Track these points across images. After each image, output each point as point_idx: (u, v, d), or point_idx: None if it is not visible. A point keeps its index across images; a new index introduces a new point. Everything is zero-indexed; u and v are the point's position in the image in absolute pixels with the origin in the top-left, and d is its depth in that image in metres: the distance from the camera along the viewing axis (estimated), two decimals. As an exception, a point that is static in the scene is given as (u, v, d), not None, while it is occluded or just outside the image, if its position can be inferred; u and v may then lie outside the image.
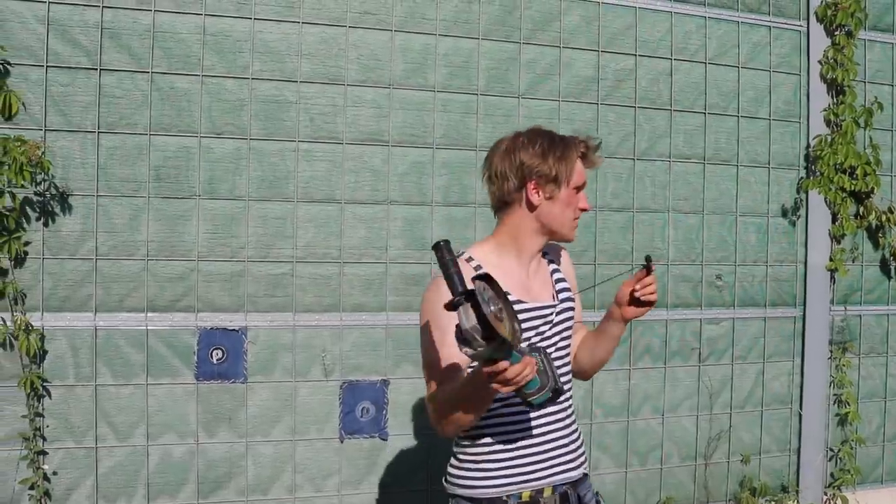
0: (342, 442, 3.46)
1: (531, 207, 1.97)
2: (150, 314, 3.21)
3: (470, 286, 1.54)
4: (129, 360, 3.18)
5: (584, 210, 2.03)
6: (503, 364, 1.54)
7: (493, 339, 1.49)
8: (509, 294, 1.80)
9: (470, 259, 1.98)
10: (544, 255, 2.10)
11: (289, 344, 3.37)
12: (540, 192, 1.96)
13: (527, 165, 1.95)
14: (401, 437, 3.53)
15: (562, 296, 2.06)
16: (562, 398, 1.94)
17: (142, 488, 3.21)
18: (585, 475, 2.09)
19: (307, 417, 3.40)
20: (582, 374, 2.22)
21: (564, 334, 2.04)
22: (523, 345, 1.69)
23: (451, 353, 1.80)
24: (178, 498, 3.25)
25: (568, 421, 2.04)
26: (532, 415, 1.95)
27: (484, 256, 2.00)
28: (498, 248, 2.02)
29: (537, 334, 1.96)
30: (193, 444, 3.27)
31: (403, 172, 3.51)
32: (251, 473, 3.34)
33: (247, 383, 3.32)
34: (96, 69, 3.10)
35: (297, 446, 3.40)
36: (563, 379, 1.93)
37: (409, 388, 3.52)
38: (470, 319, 1.50)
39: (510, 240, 2.01)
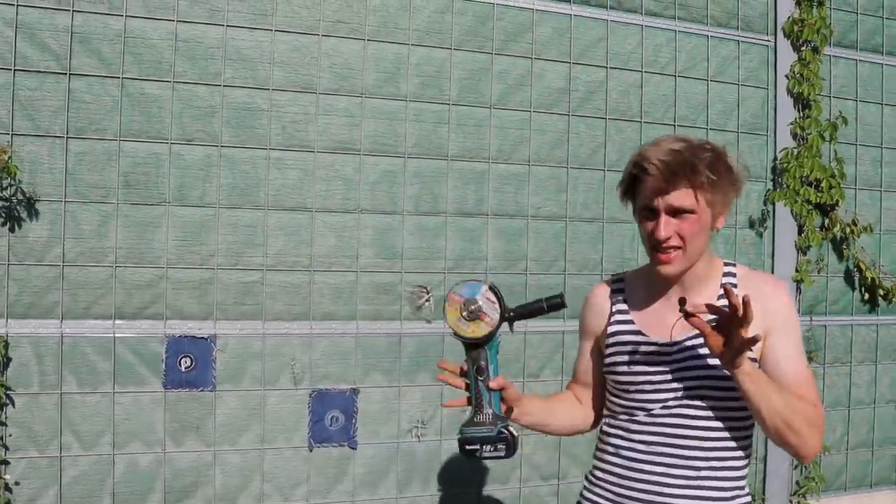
0: (311, 451, 3.44)
1: None
2: (117, 321, 3.18)
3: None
4: (95, 368, 3.15)
5: (654, 240, 1.71)
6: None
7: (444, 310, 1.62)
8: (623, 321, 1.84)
9: (619, 280, 1.94)
10: (728, 284, 1.72)
11: (258, 352, 3.35)
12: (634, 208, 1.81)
13: None
14: (370, 445, 3.53)
15: (701, 339, 1.68)
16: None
17: (107, 498, 3.17)
18: None
19: (276, 426, 3.38)
20: (769, 436, 1.73)
21: (705, 381, 1.73)
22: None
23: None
24: (144, 507, 3.22)
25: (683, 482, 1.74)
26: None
27: (637, 279, 1.91)
28: (650, 273, 1.82)
29: (658, 372, 1.76)
30: (160, 452, 3.24)
31: (375, 181, 3.51)
32: (219, 482, 3.32)
33: (215, 391, 3.30)
34: (66, 73, 3.08)
35: (266, 455, 3.38)
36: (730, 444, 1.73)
37: (378, 396, 3.51)
38: (454, 288, 1.63)
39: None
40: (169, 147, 3.23)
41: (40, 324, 3.08)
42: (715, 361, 1.69)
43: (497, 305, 1.59)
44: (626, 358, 1.81)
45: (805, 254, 4.33)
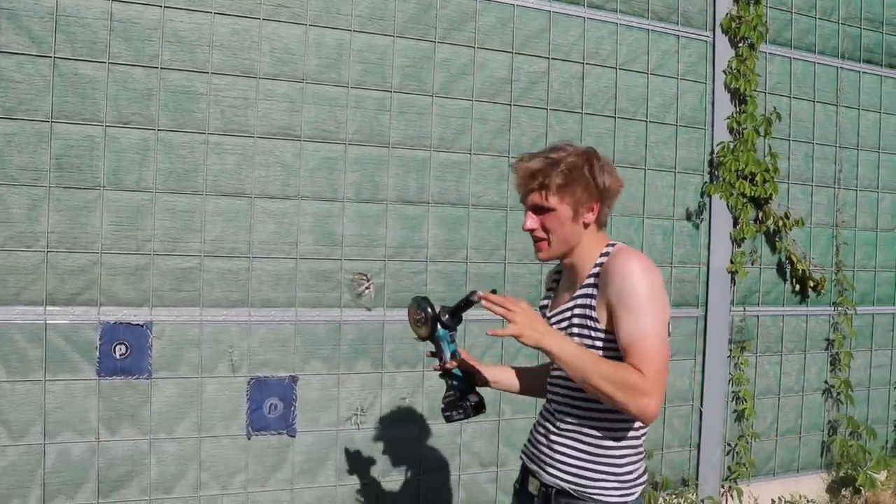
0: (249, 439, 3.41)
1: None
2: (49, 308, 3.10)
3: None
4: (25, 356, 3.07)
5: (523, 228, 2.10)
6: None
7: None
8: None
9: (560, 263, 2.19)
10: (599, 265, 2.02)
11: (195, 339, 3.31)
12: None
13: None
14: (309, 433, 3.52)
15: (568, 313, 2.06)
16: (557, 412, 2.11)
17: (37, 489, 3.10)
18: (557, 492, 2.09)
19: (213, 414, 3.35)
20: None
21: None
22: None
23: None
24: (77, 498, 3.15)
25: (558, 436, 2.10)
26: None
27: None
28: None
29: None
30: (94, 441, 3.17)
31: (315, 168, 3.49)
32: (154, 472, 3.27)
33: (151, 379, 3.25)
34: (-6, 52, 2.98)
35: (203, 443, 3.34)
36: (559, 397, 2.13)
37: (318, 384, 3.50)
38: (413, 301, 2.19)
39: None
40: (104, 130, 3.15)
41: (-33, 309, 2.99)
42: (576, 329, 2.03)
43: (430, 314, 2.11)
44: None
45: (740, 245, 4.45)
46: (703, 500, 4.36)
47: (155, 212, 3.24)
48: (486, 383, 2.31)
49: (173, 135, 3.26)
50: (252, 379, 3.40)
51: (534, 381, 2.39)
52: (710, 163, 4.40)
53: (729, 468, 4.51)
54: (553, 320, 2.09)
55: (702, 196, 4.39)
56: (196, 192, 3.30)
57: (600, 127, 4.09)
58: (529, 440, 2.24)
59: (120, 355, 3.20)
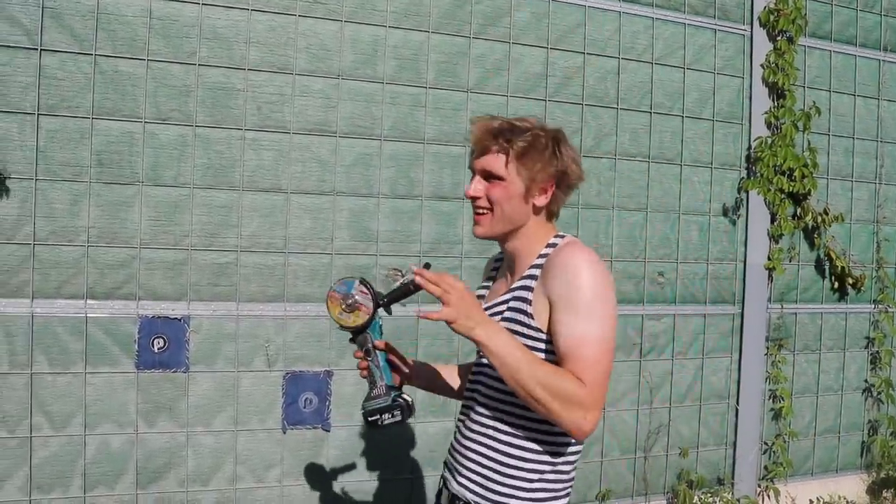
0: (284, 433, 3.44)
1: None
2: (89, 301, 3.15)
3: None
4: (66, 348, 3.12)
5: (466, 194, 1.88)
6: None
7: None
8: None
9: (502, 251, 1.99)
10: (544, 256, 1.82)
11: (232, 333, 3.34)
12: None
13: None
14: (344, 428, 3.53)
15: (499, 307, 1.86)
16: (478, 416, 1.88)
17: (78, 479, 3.15)
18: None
19: (249, 408, 3.38)
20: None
21: None
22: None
23: None
24: (116, 489, 3.20)
25: (470, 434, 1.89)
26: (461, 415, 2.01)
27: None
28: None
29: None
30: (132, 433, 3.22)
31: (350, 164, 3.50)
32: (191, 464, 3.30)
33: (188, 373, 3.28)
34: (37, 49, 3.03)
35: (239, 437, 3.37)
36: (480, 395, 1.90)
37: (353, 379, 3.51)
38: (331, 286, 1.87)
39: None
40: (143, 126, 3.19)
41: (10, 303, 3.04)
42: (507, 325, 1.80)
43: (369, 296, 1.80)
44: None
45: (777, 242, 4.39)
46: (739, 500, 4.31)
47: (192, 207, 3.27)
48: (409, 380, 2.06)
49: (211, 131, 3.29)
50: (287, 373, 3.42)
51: (453, 380, 2.17)
52: (748, 158, 4.34)
53: (766, 467, 4.45)
54: (488, 313, 1.81)
55: (738, 192, 4.34)
56: (233, 188, 3.33)
57: (636, 122, 4.06)
58: (451, 442, 2.01)
59: (158, 349, 3.24)
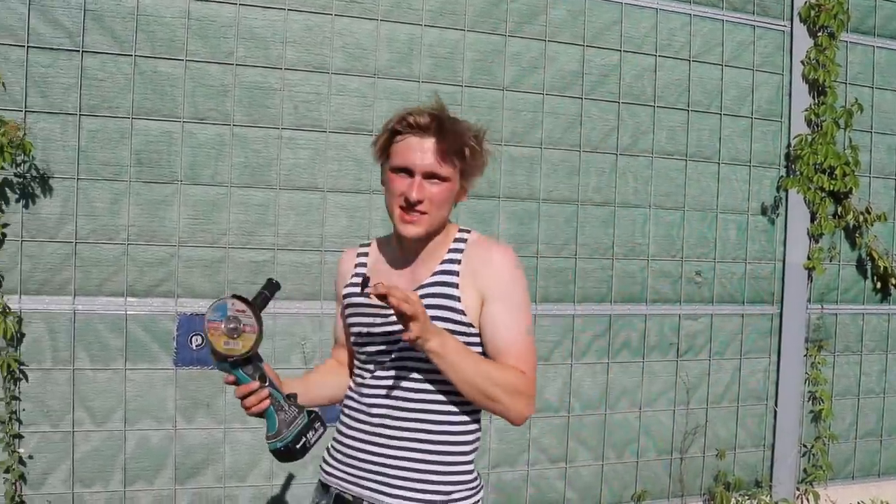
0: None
1: None
2: (129, 299, 3.19)
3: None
4: (107, 345, 3.17)
5: (405, 198, 1.70)
6: (231, 378, 1.60)
7: (209, 343, 1.57)
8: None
9: (367, 244, 1.93)
10: (455, 249, 1.80)
11: (269, 331, 3.36)
12: (382, 176, 1.82)
13: None
14: (379, 426, 3.54)
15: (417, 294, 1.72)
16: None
17: (118, 473, 3.20)
18: None
19: (286, 405, 3.40)
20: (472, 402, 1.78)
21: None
22: (279, 394, 1.64)
23: None
24: (155, 483, 3.25)
25: (395, 442, 1.75)
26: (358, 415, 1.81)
27: (379, 246, 1.91)
28: (390, 238, 1.89)
29: (379, 334, 1.78)
30: (171, 429, 3.26)
31: (387, 162, 3.50)
32: (229, 460, 3.34)
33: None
34: (78, 51, 3.08)
35: (275, 434, 3.39)
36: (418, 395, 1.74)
37: (388, 377, 3.52)
38: (205, 318, 1.57)
39: (395, 231, 1.82)
40: (181, 125, 3.23)
41: (53, 300, 3.10)
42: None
43: (250, 311, 1.56)
44: (356, 319, 1.84)
45: (817, 241, 4.31)
46: (777, 503, 4.25)
47: (230, 206, 3.30)
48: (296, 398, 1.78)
49: (248, 130, 3.32)
50: (323, 371, 3.44)
51: (334, 383, 1.99)
52: (787, 156, 4.28)
53: (805, 470, 4.38)
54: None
55: (778, 190, 4.27)
56: (270, 187, 3.35)
57: (673, 120, 4.02)
58: (339, 460, 1.84)
59: (196, 346, 3.28)
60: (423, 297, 1.69)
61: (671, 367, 4.07)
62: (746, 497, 4.19)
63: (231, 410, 3.32)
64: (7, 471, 3.02)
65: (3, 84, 2.97)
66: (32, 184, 3.06)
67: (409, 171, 1.71)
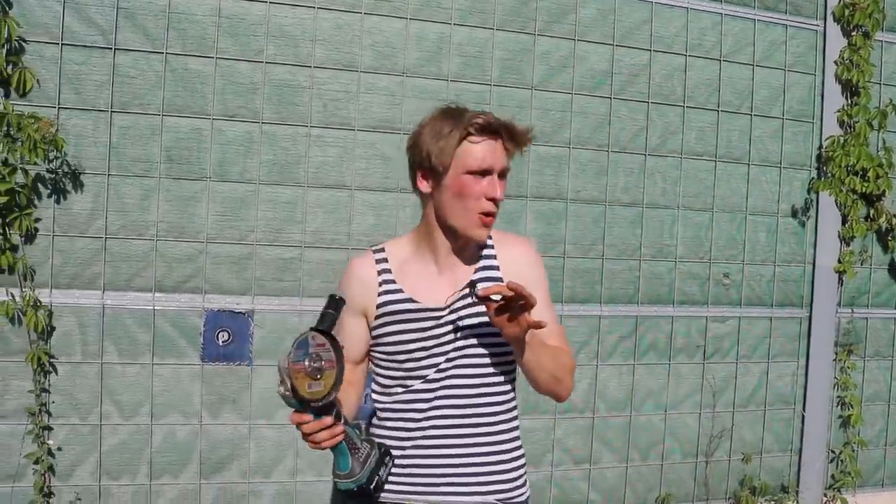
0: (345, 427, 3.46)
1: (427, 197, 1.78)
2: (157, 294, 3.22)
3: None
4: (135, 339, 3.20)
5: (492, 200, 1.71)
6: (306, 416, 1.47)
7: (292, 387, 1.43)
8: (403, 299, 1.77)
9: (381, 250, 1.85)
10: (485, 247, 1.84)
11: (295, 328, 3.38)
12: (427, 180, 1.76)
13: (410, 148, 1.79)
14: (403, 424, 3.54)
15: (470, 299, 1.74)
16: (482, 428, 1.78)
17: (145, 467, 3.23)
18: None
19: (311, 402, 3.41)
20: (536, 389, 1.85)
21: (473, 340, 1.77)
22: (356, 433, 1.57)
23: None
24: (181, 478, 3.27)
25: (464, 441, 1.78)
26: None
27: (398, 250, 1.85)
28: (415, 241, 1.84)
29: (430, 337, 1.76)
30: (197, 424, 3.29)
31: (414, 161, 3.50)
32: (254, 456, 3.36)
33: (252, 366, 3.33)
34: (111, 48, 3.11)
35: (300, 430, 3.41)
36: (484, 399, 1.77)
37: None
38: (286, 358, 1.43)
39: (424, 232, 1.82)
40: (211, 123, 3.25)
41: (83, 294, 3.13)
42: (483, 319, 1.72)
43: (327, 345, 1.44)
44: (397, 328, 1.79)
45: (848, 244, 4.26)
46: (804, 508, 4.21)
47: (258, 203, 3.32)
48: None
49: (276, 127, 3.33)
50: (349, 369, 3.45)
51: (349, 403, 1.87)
52: (818, 158, 4.22)
53: (832, 476, 4.33)
54: (461, 310, 1.76)
55: (808, 192, 4.22)
56: (298, 184, 3.36)
57: (703, 120, 3.98)
58: (418, 474, 1.79)
59: (223, 342, 3.30)
60: (481, 299, 1.71)
61: (698, 370, 4.04)
62: (772, 502, 4.15)
63: (256, 406, 3.34)
64: (37, 462, 3.06)
65: (38, 81, 3.01)
66: (64, 179, 3.09)
67: (485, 173, 1.71)
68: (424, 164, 1.74)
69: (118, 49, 3.12)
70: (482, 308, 1.71)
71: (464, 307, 1.77)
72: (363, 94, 3.43)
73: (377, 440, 1.65)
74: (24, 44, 3.01)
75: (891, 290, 4.44)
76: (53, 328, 3.10)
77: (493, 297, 1.61)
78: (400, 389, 1.81)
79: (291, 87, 3.34)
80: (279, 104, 3.33)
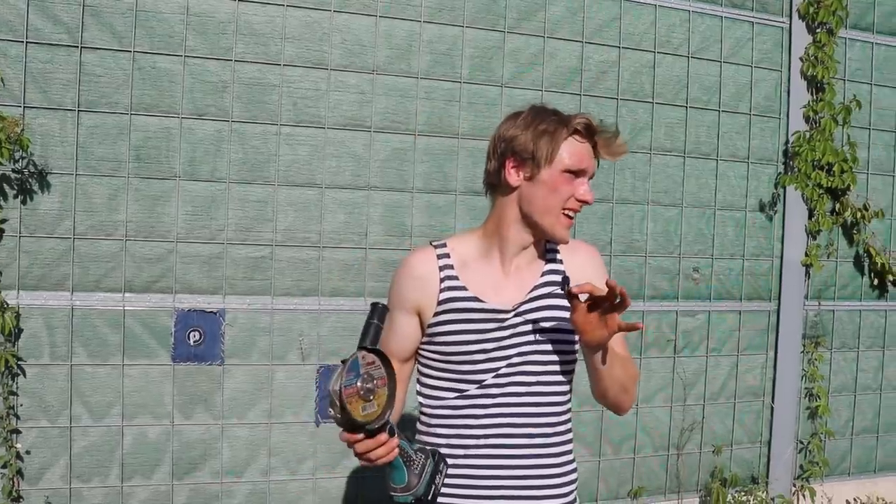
0: (318, 426, 3.47)
1: (510, 189, 1.72)
2: (127, 294, 3.19)
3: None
4: (105, 340, 3.17)
5: (583, 202, 1.72)
6: (358, 436, 1.44)
7: (345, 411, 1.38)
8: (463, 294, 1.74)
9: (442, 245, 1.81)
10: (551, 251, 1.82)
11: (266, 327, 3.37)
12: (519, 172, 1.72)
13: (505, 138, 1.73)
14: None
15: (537, 303, 1.74)
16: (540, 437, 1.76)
17: (116, 468, 3.20)
18: None
19: (283, 401, 3.41)
20: (603, 400, 1.85)
21: (538, 346, 1.75)
22: (414, 446, 1.57)
23: None
24: (153, 479, 3.25)
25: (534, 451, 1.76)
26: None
27: (462, 247, 1.80)
28: (483, 239, 1.80)
29: (491, 340, 1.73)
30: (169, 425, 3.27)
31: (385, 158, 3.51)
32: (226, 456, 3.35)
33: (223, 366, 3.32)
34: (77, 46, 3.08)
35: (273, 429, 3.40)
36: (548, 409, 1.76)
37: (386, 373, 3.53)
38: (337, 381, 1.38)
39: (494, 229, 1.78)
40: (180, 121, 3.23)
41: (51, 295, 3.10)
42: (550, 324, 1.73)
43: (378, 362, 1.43)
44: (459, 327, 1.74)
45: (815, 238, 4.32)
46: (773, 499, 4.26)
47: (228, 202, 3.31)
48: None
49: (246, 126, 3.32)
50: (321, 367, 3.45)
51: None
52: (785, 153, 4.28)
53: (801, 466, 4.40)
54: (527, 314, 1.74)
55: (776, 187, 4.27)
56: (268, 183, 3.35)
57: (671, 117, 4.02)
58: (472, 486, 1.75)
59: (194, 342, 3.28)
60: (543, 297, 1.74)
61: (668, 364, 4.08)
62: (743, 493, 4.20)
63: (228, 406, 3.33)
64: (4, 466, 3.03)
65: (2, 80, 2.97)
66: (31, 179, 3.05)
67: (578, 174, 1.71)
68: (524, 156, 1.70)
69: (84, 47, 3.09)
70: (549, 313, 1.73)
71: (530, 311, 1.74)
72: (333, 91, 3.42)
73: (429, 448, 1.62)
74: (-13, 42, 2.97)
75: (856, 283, 4.52)
76: (21, 330, 3.07)
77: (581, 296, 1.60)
78: (452, 394, 1.77)
79: (261, 85, 3.33)
80: (249, 102, 3.31)
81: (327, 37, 3.41)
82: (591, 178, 1.75)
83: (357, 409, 1.37)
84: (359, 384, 1.38)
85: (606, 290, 1.55)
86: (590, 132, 1.71)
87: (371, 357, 1.42)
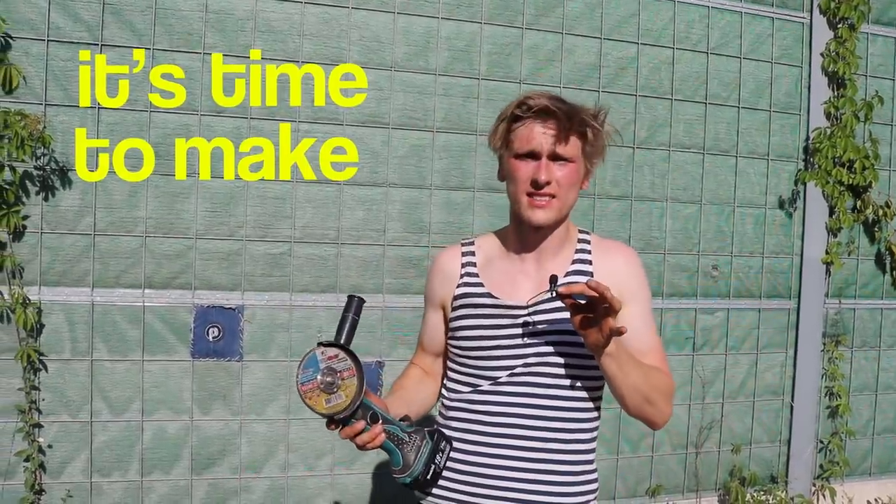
0: (336, 422, 3.47)
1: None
2: (147, 291, 3.22)
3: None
4: (125, 336, 3.19)
5: (534, 183, 1.64)
6: (334, 427, 1.50)
7: (308, 406, 1.45)
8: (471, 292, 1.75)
9: (470, 243, 1.83)
10: (582, 250, 1.77)
11: (285, 323, 3.38)
12: (500, 170, 1.77)
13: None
14: (394, 418, 3.55)
15: (556, 302, 1.67)
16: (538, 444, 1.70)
17: (136, 463, 3.23)
18: None
19: (302, 397, 3.41)
20: (628, 410, 1.75)
21: (555, 347, 1.70)
22: (403, 423, 1.57)
23: None
24: (172, 473, 3.27)
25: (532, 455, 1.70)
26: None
27: (488, 245, 1.82)
28: (504, 236, 1.82)
29: (507, 336, 1.70)
30: (188, 420, 3.29)
31: (403, 155, 3.51)
32: (244, 451, 3.36)
33: (242, 362, 3.34)
34: (98, 44, 3.10)
35: (291, 425, 3.42)
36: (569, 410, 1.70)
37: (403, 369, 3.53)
38: (296, 378, 1.46)
39: (511, 227, 1.80)
40: (199, 119, 3.24)
41: (72, 292, 3.13)
42: (569, 325, 1.63)
43: (342, 354, 1.45)
44: (473, 322, 1.74)
45: (835, 236, 4.28)
46: (793, 498, 4.23)
47: (247, 198, 3.32)
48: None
49: (265, 123, 3.33)
50: (339, 363, 3.45)
51: (423, 395, 1.91)
52: (805, 150, 4.24)
53: (821, 466, 4.36)
54: (545, 313, 1.69)
55: (796, 184, 4.24)
56: (286, 180, 3.36)
57: (690, 113, 3.99)
58: (455, 480, 1.75)
59: (213, 338, 3.30)
60: (561, 297, 1.62)
61: (687, 362, 4.06)
62: (762, 492, 4.17)
63: (247, 402, 3.34)
64: (27, 459, 3.06)
65: (24, 78, 3.00)
66: (52, 176, 3.08)
67: (534, 155, 1.65)
68: (495, 149, 1.74)
69: (105, 45, 3.11)
70: (562, 312, 1.66)
71: (549, 310, 1.69)
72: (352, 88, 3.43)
73: (428, 428, 1.60)
74: (9, 40, 3.00)
75: (878, 281, 4.47)
76: (43, 325, 3.10)
77: (578, 297, 1.53)
78: (467, 388, 1.77)
79: (279, 81, 3.33)
80: (267, 99, 3.32)
81: (345, 33, 3.41)
82: (555, 157, 1.65)
83: (320, 402, 1.43)
84: (318, 378, 1.42)
85: (593, 290, 1.48)
86: (535, 112, 1.64)
87: (333, 351, 1.44)
